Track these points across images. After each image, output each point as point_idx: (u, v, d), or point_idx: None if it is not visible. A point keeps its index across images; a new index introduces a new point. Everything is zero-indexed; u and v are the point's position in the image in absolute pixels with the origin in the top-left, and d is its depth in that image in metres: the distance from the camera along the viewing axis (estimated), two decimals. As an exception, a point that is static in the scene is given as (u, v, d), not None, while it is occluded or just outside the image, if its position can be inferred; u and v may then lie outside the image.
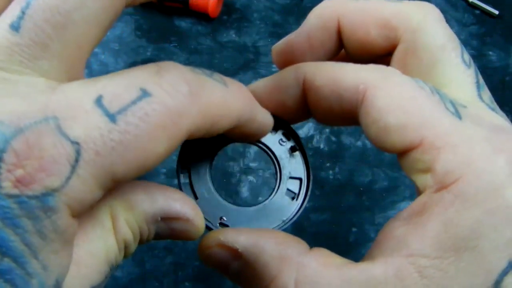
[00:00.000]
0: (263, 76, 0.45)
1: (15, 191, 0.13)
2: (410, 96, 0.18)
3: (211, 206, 0.20)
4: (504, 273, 0.16)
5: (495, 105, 0.20)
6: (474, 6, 0.50)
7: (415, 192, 0.41)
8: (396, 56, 0.21)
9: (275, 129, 0.23)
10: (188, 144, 0.22)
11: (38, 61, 0.15)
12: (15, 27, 0.15)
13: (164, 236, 0.18)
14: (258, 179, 0.40)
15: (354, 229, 0.40)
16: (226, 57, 0.46)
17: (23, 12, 0.15)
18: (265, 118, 0.20)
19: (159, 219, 0.18)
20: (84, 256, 0.16)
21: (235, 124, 0.18)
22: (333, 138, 0.43)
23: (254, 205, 0.22)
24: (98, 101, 0.15)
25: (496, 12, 0.50)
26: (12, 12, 0.15)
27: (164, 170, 0.41)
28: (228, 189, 0.40)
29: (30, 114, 0.14)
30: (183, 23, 0.47)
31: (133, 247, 0.18)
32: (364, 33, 0.22)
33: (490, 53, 0.49)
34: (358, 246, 0.39)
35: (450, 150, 0.17)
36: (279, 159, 0.23)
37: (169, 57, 0.46)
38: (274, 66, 0.46)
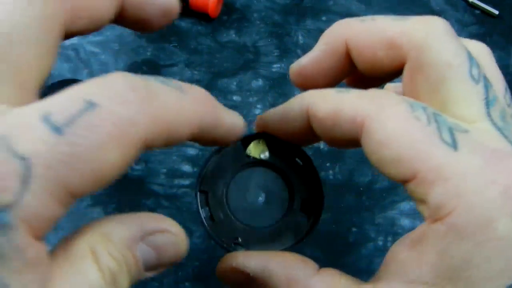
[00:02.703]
0: (263, 76, 0.45)
1: None
2: (403, 129, 0.18)
3: (227, 228, 0.21)
4: None
5: (506, 122, 0.20)
6: (474, 6, 0.50)
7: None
8: (405, 74, 0.21)
9: (287, 154, 0.24)
10: (206, 167, 0.23)
11: None
12: None
13: (153, 261, 0.18)
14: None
15: (354, 229, 0.40)
16: (226, 57, 0.46)
17: None
18: (234, 119, 0.20)
19: (139, 239, 0.18)
20: None
21: (198, 130, 0.18)
22: (333, 138, 0.43)
23: (269, 225, 0.23)
24: (45, 117, 0.15)
25: (496, 12, 0.50)
26: None
27: (165, 170, 0.41)
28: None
29: None
30: (183, 23, 0.47)
31: (122, 279, 0.17)
32: (372, 54, 0.22)
33: (490, 53, 0.49)
34: (358, 246, 0.39)
35: (441, 183, 0.17)
36: (292, 182, 0.24)
37: (169, 57, 0.46)
38: (274, 66, 0.46)
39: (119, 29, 0.47)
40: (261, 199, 0.24)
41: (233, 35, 0.47)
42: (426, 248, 0.18)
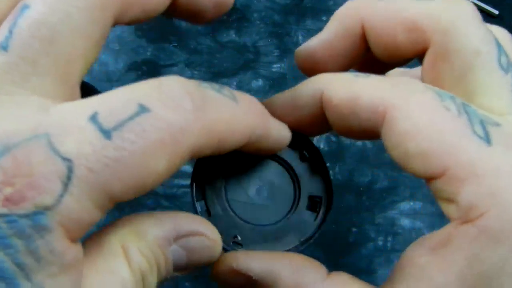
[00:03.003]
0: (263, 76, 0.45)
1: (4, 210, 0.13)
2: (432, 119, 0.17)
3: (225, 224, 0.19)
4: None
5: None
6: (474, 6, 0.51)
7: (415, 192, 0.41)
8: (426, 60, 0.20)
9: (295, 145, 0.22)
10: (203, 158, 0.21)
11: (29, 78, 0.15)
12: (4, 47, 0.15)
13: (183, 263, 0.18)
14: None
15: (354, 229, 0.40)
16: (226, 57, 0.46)
17: (10, 31, 0.15)
18: (281, 132, 0.20)
19: (172, 240, 0.17)
20: None
21: (247, 140, 0.17)
22: (333, 138, 0.43)
23: (272, 222, 0.21)
24: (93, 118, 0.14)
25: (496, 12, 0.50)
26: (0, 33, 0.15)
27: (164, 170, 0.41)
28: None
29: (20, 133, 0.14)
30: (183, 23, 0.47)
31: (151, 279, 0.17)
32: (391, 37, 0.20)
33: (490, 53, 0.49)
34: (358, 246, 0.39)
35: (474, 181, 0.16)
36: (299, 176, 0.22)
37: (169, 57, 0.46)
38: (274, 66, 0.46)
39: (119, 29, 0.47)
40: (263, 194, 0.22)
41: (233, 35, 0.47)
42: (452, 252, 0.16)
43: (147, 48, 0.46)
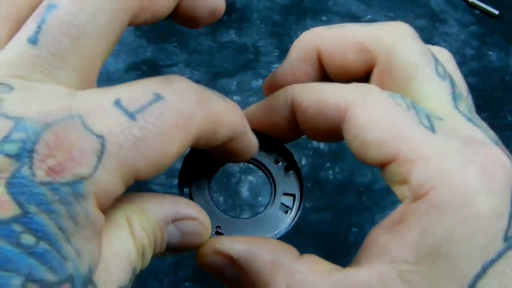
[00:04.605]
0: (263, 76, 0.45)
1: (48, 179, 0.14)
2: (386, 113, 0.19)
3: (208, 216, 0.22)
4: (477, 278, 0.17)
5: (472, 115, 0.21)
6: (474, 6, 0.51)
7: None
8: (374, 77, 0.23)
9: (270, 149, 0.25)
10: (189, 161, 0.24)
11: (57, 70, 0.16)
12: (33, 41, 0.16)
13: (175, 243, 0.19)
14: (258, 179, 0.40)
15: (354, 229, 0.40)
16: (226, 57, 0.46)
17: (39, 27, 0.16)
18: (254, 138, 0.22)
19: (170, 221, 0.19)
20: (109, 255, 0.16)
21: (232, 135, 0.20)
22: (333, 138, 0.43)
23: (250, 216, 0.24)
24: (117, 103, 0.16)
25: (496, 12, 0.50)
26: (29, 28, 0.16)
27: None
28: (228, 189, 0.40)
29: (56, 112, 0.15)
30: (183, 23, 0.47)
31: (148, 254, 0.18)
32: (342, 59, 0.23)
33: (490, 53, 0.49)
34: (358, 246, 0.39)
35: (423, 162, 0.18)
36: (274, 177, 0.25)
37: (169, 57, 0.46)
38: (274, 66, 0.46)
39: (119, 29, 0.47)
40: (244, 192, 0.24)
41: (233, 35, 0.47)
42: (407, 228, 0.18)
43: (147, 48, 0.46)
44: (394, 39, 0.22)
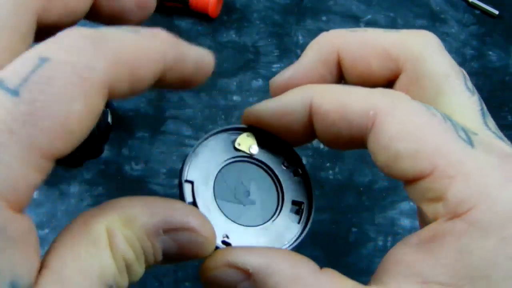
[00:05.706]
0: (263, 76, 0.45)
1: None
2: (422, 123, 0.18)
3: (213, 224, 0.19)
4: None
5: (500, 133, 0.20)
6: (474, 6, 0.51)
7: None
8: (399, 85, 0.21)
9: (278, 152, 0.23)
10: (194, 153, 0.22)
11: None
12: None
13: (173, 254, 0.17)
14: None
15: (354, 229, 0.40)
16: (226, 57, 0.46)
17: None
18: (200, 53, 0.20)
19: (161, 231, 0.17)
20: (73, 275, 0.15)
21: (162, 68, 0.17)
22: (333, 138, 0.43)
23: (258, 224, 0.22)
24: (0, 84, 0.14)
25: (496, 12, 0.50)
26: None
27: (164, 170, 0.41)
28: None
29: None
30: (183, 23, 0.47)
31: (137, 267, 0.17)
32: (366, 64, 0.22)
33: (490, 53, 0.49)
34: (358, 246, 0.39)
35: (463, 178, 0.17)
36: (281, 181, 0.23)
37: (169, 57, 0.46)
38: (274, 66, 0.46)
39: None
40: (250, 196, 0.22)
41: (233, 35, 0.47)
42: (441, 247, 0.17)
43: (147, 48, 0.46)
44: (422, 48, 0.21)
